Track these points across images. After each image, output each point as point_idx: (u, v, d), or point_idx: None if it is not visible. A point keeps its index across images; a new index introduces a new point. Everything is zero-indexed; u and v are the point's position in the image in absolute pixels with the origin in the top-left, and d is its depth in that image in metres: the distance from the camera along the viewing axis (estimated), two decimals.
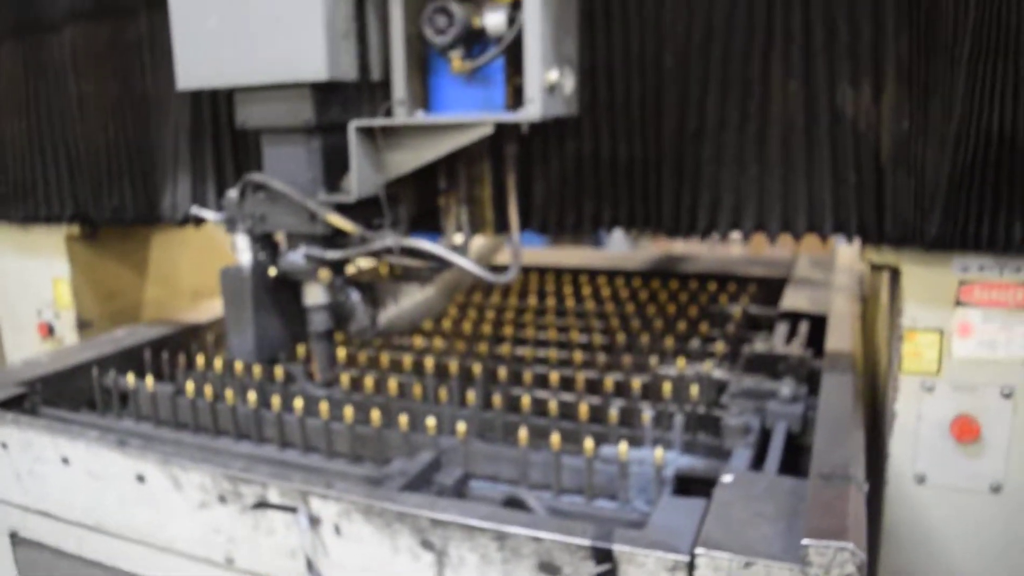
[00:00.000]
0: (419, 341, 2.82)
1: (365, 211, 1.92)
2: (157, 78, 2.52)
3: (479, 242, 2.53)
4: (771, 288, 3.23)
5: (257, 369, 2.51)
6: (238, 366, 2.54)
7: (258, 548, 1.86)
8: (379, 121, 1.81)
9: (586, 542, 1.53)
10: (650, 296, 3.21)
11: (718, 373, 2.34)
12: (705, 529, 1.51)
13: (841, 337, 2.46)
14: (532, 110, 1.76)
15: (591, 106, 2.06)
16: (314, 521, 1.77)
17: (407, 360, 2.53)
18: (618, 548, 1.51)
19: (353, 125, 1.81)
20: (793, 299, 2.94)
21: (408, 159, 1.86)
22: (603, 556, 1.52)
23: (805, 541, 1.38)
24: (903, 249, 1.97)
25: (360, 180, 1.83)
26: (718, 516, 1.56)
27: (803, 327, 2.62)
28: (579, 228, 2.16)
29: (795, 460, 1.96)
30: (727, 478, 1.71)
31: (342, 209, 1.88)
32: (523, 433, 1.99)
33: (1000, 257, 1.90)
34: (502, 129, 2.03)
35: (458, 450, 2.05)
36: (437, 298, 2.57)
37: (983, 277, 1.93)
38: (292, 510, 1.78)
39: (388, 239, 1.87)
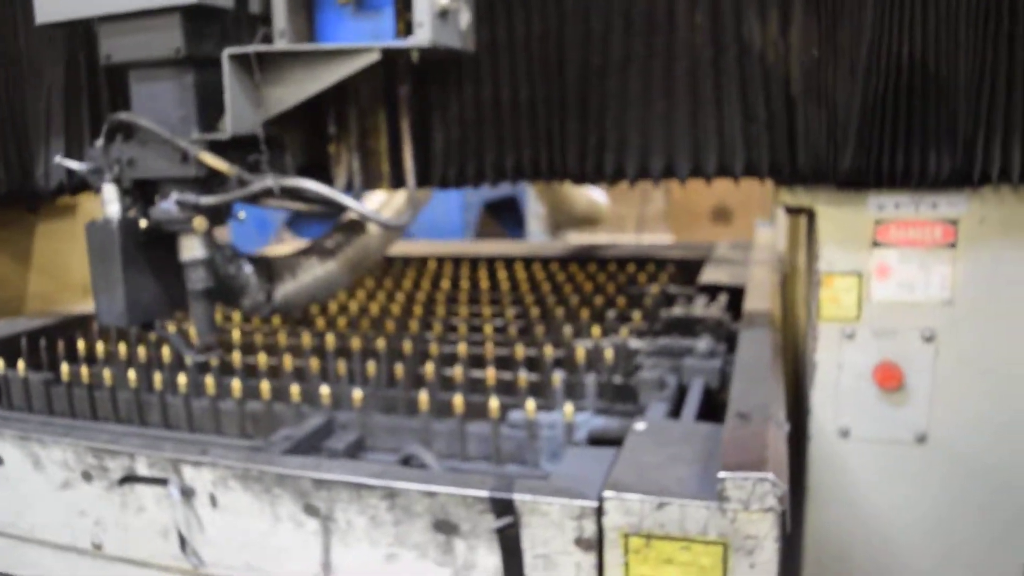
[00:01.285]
0: (321, 323, 2.66)
1: (244, 154, 1.76)
2: (31, 36, 2.32)
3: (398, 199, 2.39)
4: (690, 269, 3.15)
5: (142, 350, 2.33)
6: (122, 348, 2.34)
7: (127, 529, 1.67)
8: (255, 47, 1.65)
9: (484, 493, 1.39)
10: (567, 278, 3.10)
11: (634, 343, 2.22)
12: (614, 474, 1.38)
13: (760, 299, 2.37)
14: (421, 35, 1.63)
15: (490, 46, 1.93)
16: (187, 493, 1.59)
17: (306, 338, 2.36)
18: (519, 498, 1.37)
19: (227, 53, 1.65)
20: (712, 274, 2.86)
21: (289, 93, 1.70)
22: (503, 508, 1.38)
23: (722, 474, 1.26)
24: (818, 189, 1.89)
25: (235, 116, 1.67)
26: (629, 461, 1.44)
27: (722, 297, 2.53)
28: (481, 179, 2.02)
29: (714, 417, 1.85)
30: (640, 426, 1.59)
31: (218, 149, 1.71)
32: (423, 397, 1.84)
33: (915, 193, 1.83)
34: (394, 68, 1.91)
35: (354, 422, 1.89)
36: (339, 274, 2.41)
37: (899, 215, 1.85)
38: (162, 482, 1.60)
39: (268, 180, 1.70)
